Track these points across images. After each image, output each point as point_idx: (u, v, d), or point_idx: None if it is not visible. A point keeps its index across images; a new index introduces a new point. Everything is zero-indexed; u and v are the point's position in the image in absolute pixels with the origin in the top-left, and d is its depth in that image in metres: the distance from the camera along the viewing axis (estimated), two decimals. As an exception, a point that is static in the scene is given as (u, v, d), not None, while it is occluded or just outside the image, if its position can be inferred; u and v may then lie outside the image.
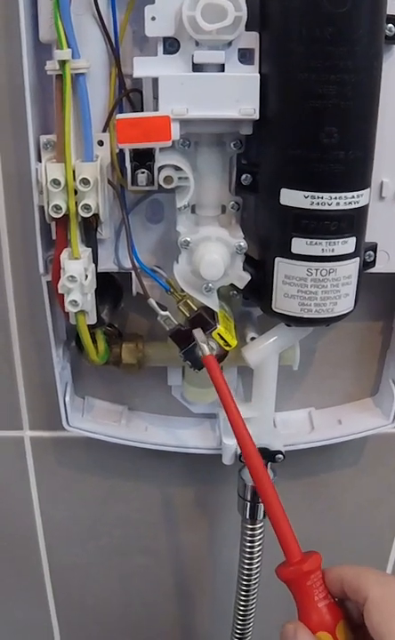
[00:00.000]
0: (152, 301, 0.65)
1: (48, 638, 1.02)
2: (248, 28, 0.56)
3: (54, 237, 0.64)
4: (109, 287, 0.72)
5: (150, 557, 0.94)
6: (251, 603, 0.83)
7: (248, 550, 0.80)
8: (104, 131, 0.62)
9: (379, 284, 0.75)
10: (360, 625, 0.56)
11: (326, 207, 0.58)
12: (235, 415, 0.61)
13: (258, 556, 0.80)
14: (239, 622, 0.84)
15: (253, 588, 0.81)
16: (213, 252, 0.61)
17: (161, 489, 0.89)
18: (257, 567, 0.80)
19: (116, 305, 0.73)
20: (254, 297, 0.66)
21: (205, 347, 0.63)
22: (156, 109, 0.59)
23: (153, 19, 0.56)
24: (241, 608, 0.83)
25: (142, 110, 0.61)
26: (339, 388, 0.84)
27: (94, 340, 0.70)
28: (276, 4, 0.55)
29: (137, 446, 0.79)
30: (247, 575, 0.81)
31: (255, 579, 0.81)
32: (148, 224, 0.68)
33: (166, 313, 0.64)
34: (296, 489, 0.89)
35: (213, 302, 0.64)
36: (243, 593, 0.82)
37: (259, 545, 0.79)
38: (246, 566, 0.80)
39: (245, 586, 0.81)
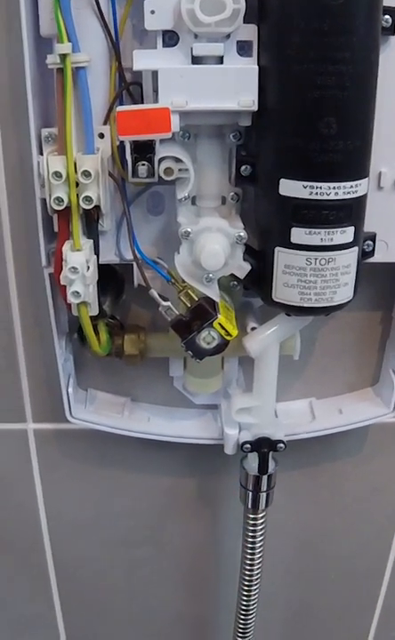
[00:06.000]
0: (153, 292, 0.65)
1: (53, 631, 1.02)
2: (246, 20, 0.56)
3: (56, 230, 0.64)
4: (111, 279, 0.72)
5: (154, 548, 0.95)
6: (254, 592, 0.83)
7: (250, 540, 0.80)
8: (105, 123, 0.63)
9: (378, 274, 0.76)
10: None
11: (325, 197, 0.58)
12: None
13: (260, 546, 0.80)
14: (242, 611, 0.85)
15: (255, 577, 0.82)
16: (213, 243, 0.61)
17: (164, 480, 0.89)
18: (259, 556, 0.81)
19: (118, 297, 0.74)
20: (255, 287, 0.66)
21: None
22: (156, 102, 0.59)
23: (152, 12, 0.57)
24: (244, 597, 0.84)
25: (142, 103, 0.62)
26: (339, 378, 0.84)
27: (96, 332, 0.70)
28: (274, -4, 0.55)
29: (139, 437, 0.79)
30: (250, 564, 0.81)
31: (258, 568, 0.82)
32: (148, 216, 0.68)
33: (167, 303, 0.65)
34: (299, 478, 0.89)
35: (213, 292, 0.64)
36: (246, 582, 0.83)
37: (261, 534, 0.80)
38: (249, 556, 0.81)
39: (248, 575, 0.82)
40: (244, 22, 0.56)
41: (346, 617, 1.02)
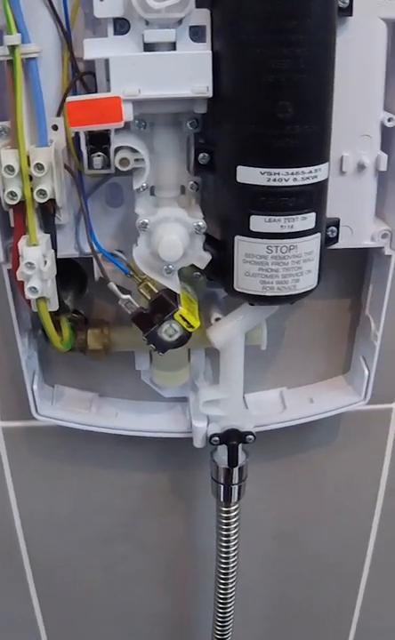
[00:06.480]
0: (113, 285, 0.64)
1: (33, 632, 1.01)
2: (199, 4, 0.55)
3: (13, 225, 0.63)
4: (73, 273, 0.71)
5: (131, 545, 0.94)
6: (230, 585, 0.83)
7: (224, 533, 0.80)
8: (58, 115, 0.62)
9: (344, 261, 0.75)
10: None
11: (284, 183, 0.57)
12: None
13: (235, 539, 0.80)
14: (220, 605, 0.84)
15: (231, 570, 0.81)
16: (171, 233, 0.60)
17: (137, 475, 0.88)
18: (234, 549, 0.80)
19: (81, 291, 0.73)
20: (217, 277, 0.65)
21: None
22: (109, 91, 0.58)
23: (101, -1, 0.56)
24: (221, 591, 0.83)
25: (97, 93, 0.61)
26: (310, 367, 0.84)
27: (59, 328, 0.69)
28: (225, -21, 0.54)
29: (108, 433, 0.78)
30: (225, 558, 0.81)
31: (234, 561, 0.81)
32: (108, 208, 0.67)
33: (127, 297, 0.64)
34: (273, 470, 0.89)
35: (173, 284, 0.63)
36: (222, 576, 0.82)
37: (235, 527, 0.79)
38: (224, 549, 0.80)
39: (224, 569, 0.81)
40: (196, 7, 0.55)
41: (327, 608, 1.02)
